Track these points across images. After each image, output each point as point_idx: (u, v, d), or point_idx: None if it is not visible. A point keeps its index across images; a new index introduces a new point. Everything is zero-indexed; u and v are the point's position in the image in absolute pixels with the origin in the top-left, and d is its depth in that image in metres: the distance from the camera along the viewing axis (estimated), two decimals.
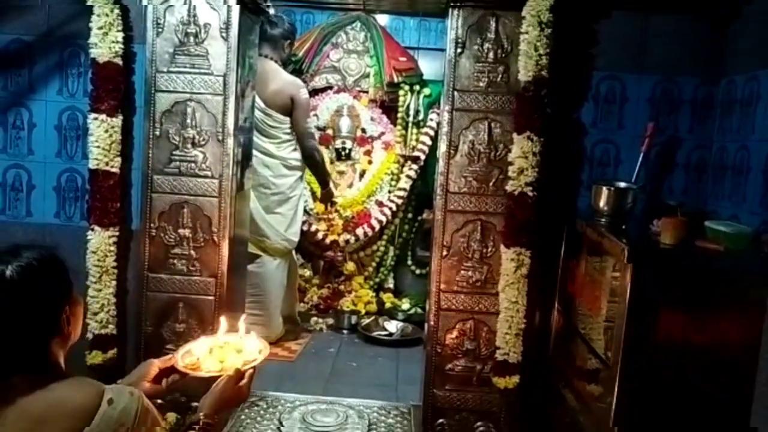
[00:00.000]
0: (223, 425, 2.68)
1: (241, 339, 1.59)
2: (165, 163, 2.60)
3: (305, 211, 4.17)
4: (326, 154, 4.39)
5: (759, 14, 2.43)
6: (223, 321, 1.65)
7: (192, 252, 2.62)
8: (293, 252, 3.94)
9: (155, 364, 1.51)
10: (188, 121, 2.58)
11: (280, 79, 3.61)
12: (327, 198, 4.07)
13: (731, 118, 2.55)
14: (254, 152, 3.24)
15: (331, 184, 4.08)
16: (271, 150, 3.63)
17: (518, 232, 2.46)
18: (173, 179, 2.61)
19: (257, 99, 3.25)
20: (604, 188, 2.43)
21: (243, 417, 2.85)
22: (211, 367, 1.49)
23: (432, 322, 2.66)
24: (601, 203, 2.42)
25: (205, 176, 2.60)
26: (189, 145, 2.59)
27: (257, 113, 3.35)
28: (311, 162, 3.80)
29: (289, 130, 3.70)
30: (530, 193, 2.43)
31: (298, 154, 3.76)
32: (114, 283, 2.66)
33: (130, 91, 2.69)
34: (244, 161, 2.84)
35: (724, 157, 2.58)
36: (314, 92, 4.37)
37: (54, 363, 1.30)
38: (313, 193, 4.35)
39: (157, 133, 2.59)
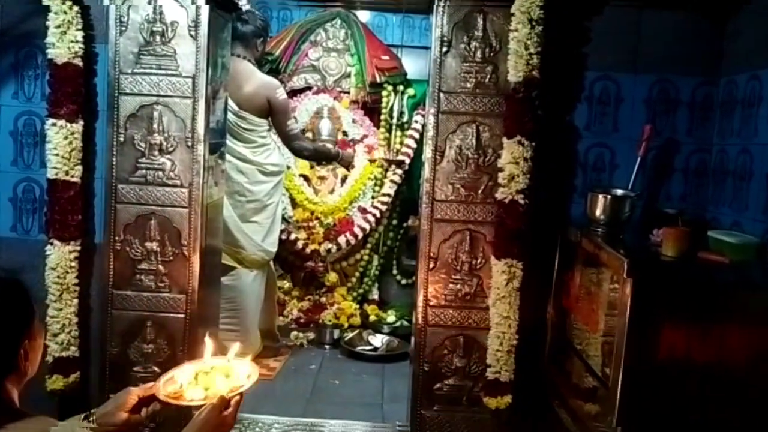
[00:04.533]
0: None
1: (230, 362, 1.48)
2: (130, 172, 2.51)
3: (284, 219, 4.06)
4: None
5: (760, 9, 2.37)
6: (208, 342, 1.53)
7: (160, 267, 2.53)
8: (271, 263, 3.82)
9: (134, 393, 1.43)
10: (155, 126, 2.48)
11: (254, 80, 3.48)
12: (346, 163, 4.10)
13: (732, 119, 2.49)
14: (228, 158, 3.14)
15: (339, 152, 3.98)
16: (246, 155, 3.50)
17: (509, 242, 2.40)
18: (139, 189, 2.51)
19: (230, 101, 3.14)
20: (600, 196, 2.38)
21: None
22: (195, 395, 1.40)
23: (419, 339, 2.57)
24: (597, 212, 2.37)
25: (174, 185, 2.51)
26: (156, 152, 2.50)
27: (230, 116, 3.24)
28: (306, 159, 3.97)
29: (265, 134, 3.59)
30: (521, 201, 2.37)
31: (274, 159, 3.64)
32: (76, 301, 2.57)
33: (91, 94, 2.62)
34: (216, 167, 2.72)
35: (724, 161, 2.53)
36: (293, 93, 4.26)
37: (7, 400, 1.22)
38: (292, 200, 4.25)
39: (122, 139, 2.50)
